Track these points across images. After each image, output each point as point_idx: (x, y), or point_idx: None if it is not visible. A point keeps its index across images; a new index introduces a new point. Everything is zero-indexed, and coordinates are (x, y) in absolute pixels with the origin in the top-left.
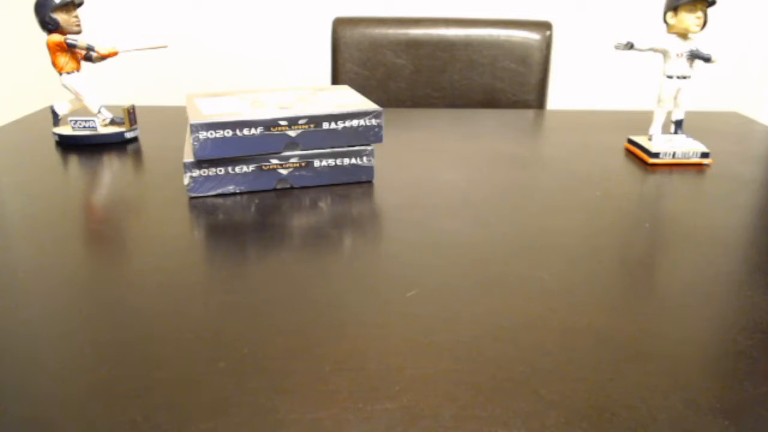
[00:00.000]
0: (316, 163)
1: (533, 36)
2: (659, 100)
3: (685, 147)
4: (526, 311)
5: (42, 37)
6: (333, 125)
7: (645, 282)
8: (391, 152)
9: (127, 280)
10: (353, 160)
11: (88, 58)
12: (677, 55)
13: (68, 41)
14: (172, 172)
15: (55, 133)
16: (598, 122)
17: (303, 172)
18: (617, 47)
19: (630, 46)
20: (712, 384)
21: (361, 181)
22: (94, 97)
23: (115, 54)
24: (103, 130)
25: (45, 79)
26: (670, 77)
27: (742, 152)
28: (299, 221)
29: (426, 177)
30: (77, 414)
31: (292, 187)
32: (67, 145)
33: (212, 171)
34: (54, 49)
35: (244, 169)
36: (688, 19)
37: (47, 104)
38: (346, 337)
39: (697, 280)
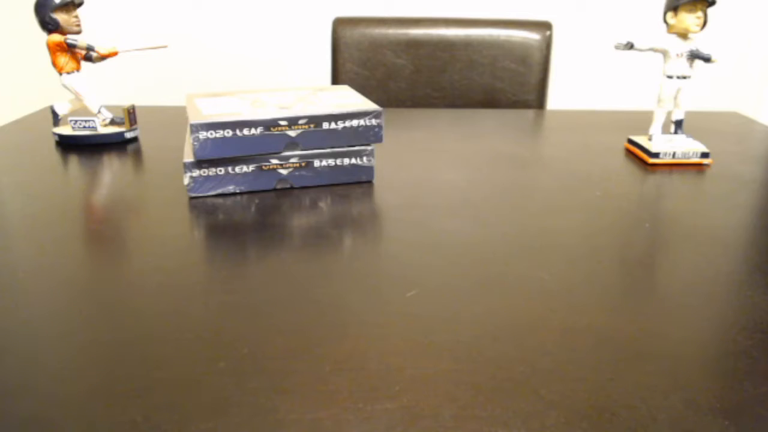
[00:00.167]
0: (316, 163)
1: (533, 36)
2: (659, 100)
3: (685, 147)
4: (526, 311)
5: (42, 37)
6: (333, 125)
7: (645, 282)
8: (391, 152)
9: (127, 280)
10: (353, 160)
11: (88, 58)
12: (677, 55)
13: (68, 41)
14: (172, 172)
15: (55, 133)
16: (598, 122)
17: (303, 172)
18: (617, 47)
19: (630, 46)
20: (712, 384)
21: (361, 181)
22: (94, 97)
23: (115, 54)
24: (103, 130)
25: (45, 79)
26: (670, 77)
27: (742, 152)
28: (299, 221)
29: (426, 177)
30: (77, 414)
31: (292, 187)
32: (67, 145)
33: (212, 171)
34: (54, 49)
35: (244, 169)
36: (688, 19)
37: (47, 104)
38: (346, 337)
39: (697, 280)
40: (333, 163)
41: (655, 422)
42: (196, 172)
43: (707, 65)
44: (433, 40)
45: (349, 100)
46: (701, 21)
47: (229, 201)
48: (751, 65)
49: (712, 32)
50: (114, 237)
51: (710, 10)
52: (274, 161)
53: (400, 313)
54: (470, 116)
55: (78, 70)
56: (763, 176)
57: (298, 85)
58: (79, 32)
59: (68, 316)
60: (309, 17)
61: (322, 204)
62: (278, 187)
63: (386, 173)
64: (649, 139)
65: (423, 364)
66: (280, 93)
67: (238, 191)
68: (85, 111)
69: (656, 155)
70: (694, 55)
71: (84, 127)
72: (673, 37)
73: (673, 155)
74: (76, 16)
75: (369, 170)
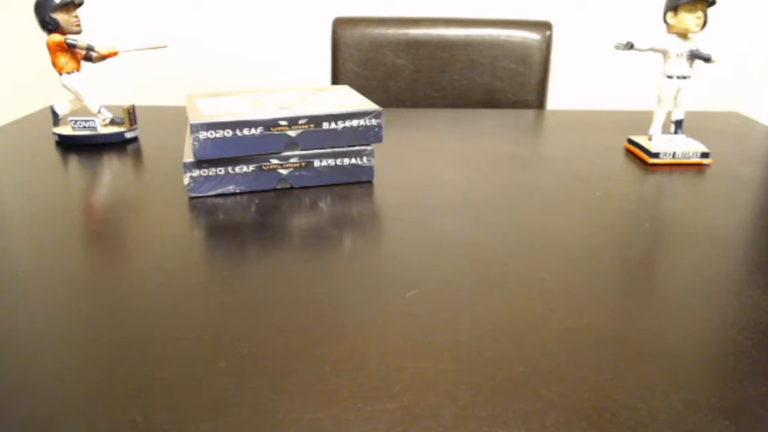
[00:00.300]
0: (316, 163)
1: (533, 36)
2: (659, 100)
3: (685, 147)
4: (526, 311)
5: (42, 37)
6: (333, 125)
7: (645, 282)
8: (391, 152)
9: (127, 280)
10: (353, 160)
11: (88, 58)
12: (677, 55)
13: (68, 41)
14: (172, 172)
15: (55, 133)
16: (598, 122)
17: (303, 172)
18: (617, 47)
19: (630, 46)
20: (712, 384)
21: (361, 181)
22: (94, 97)
23: (115, 54)
24: (103, 130)
25: (45, 79)
26: (670, 77)
27: (742, 152)
28: (299, 221)
29: (426, 177)
30: (77, 414)
31: (292, 187)
32: (67, 145)
33: (212, 171)
34: (54, 49)
35: (244, 169)
36: (688, 19)
37: (47, 104)
38: (346, 337)
39: (697, 280)
40: (333, 163)
41: (655, 422)
42: (196, 172)
43: (707, 65)
44: (433, 40)
45: (349, 100)
46: (701, 21)
47: (229, 201)
48: (751, 65)
49: (712, 32)
50: (114, 237)
51: (710, 10)
52: (274, 161)
53: (400, 313)
54: (470, 116)
55: (78, 70)
56: (763, 176)
57: (298, 85)
58: (79, 32)
59: (68, 316)
60: (309, 17)
61: (322, 204)
62: (278, 187)
63: (386, 173)
64: (649, 139)
65: (423, 364)
66: (280, 93)
67: (238, 191)
68: (85, 111)
69: (656, 155)
70: (694, 55)
71: (84, 127)
72: (673, 37)
73: (673, 155)
74: (76, 16)
75: (369, 170)
